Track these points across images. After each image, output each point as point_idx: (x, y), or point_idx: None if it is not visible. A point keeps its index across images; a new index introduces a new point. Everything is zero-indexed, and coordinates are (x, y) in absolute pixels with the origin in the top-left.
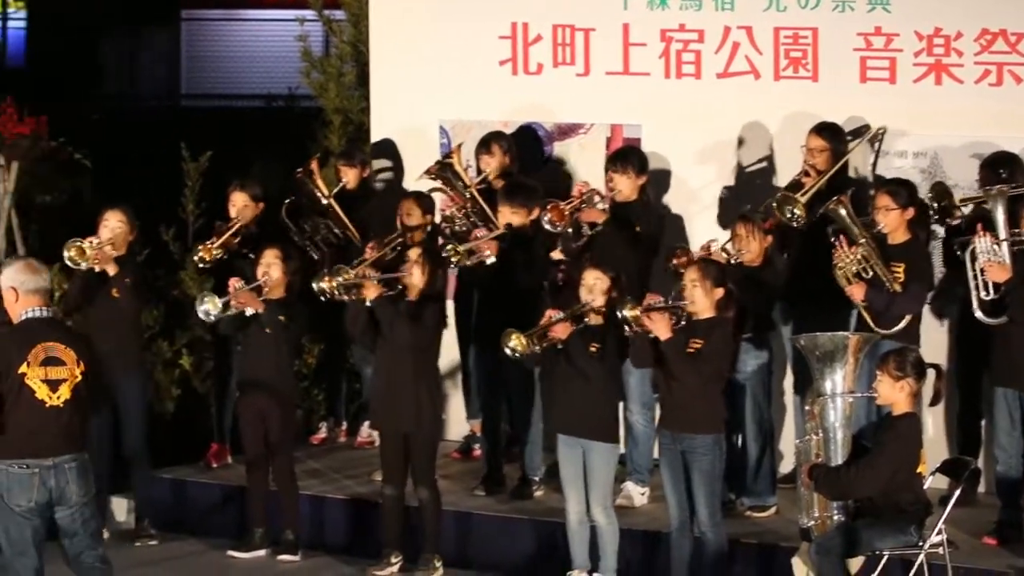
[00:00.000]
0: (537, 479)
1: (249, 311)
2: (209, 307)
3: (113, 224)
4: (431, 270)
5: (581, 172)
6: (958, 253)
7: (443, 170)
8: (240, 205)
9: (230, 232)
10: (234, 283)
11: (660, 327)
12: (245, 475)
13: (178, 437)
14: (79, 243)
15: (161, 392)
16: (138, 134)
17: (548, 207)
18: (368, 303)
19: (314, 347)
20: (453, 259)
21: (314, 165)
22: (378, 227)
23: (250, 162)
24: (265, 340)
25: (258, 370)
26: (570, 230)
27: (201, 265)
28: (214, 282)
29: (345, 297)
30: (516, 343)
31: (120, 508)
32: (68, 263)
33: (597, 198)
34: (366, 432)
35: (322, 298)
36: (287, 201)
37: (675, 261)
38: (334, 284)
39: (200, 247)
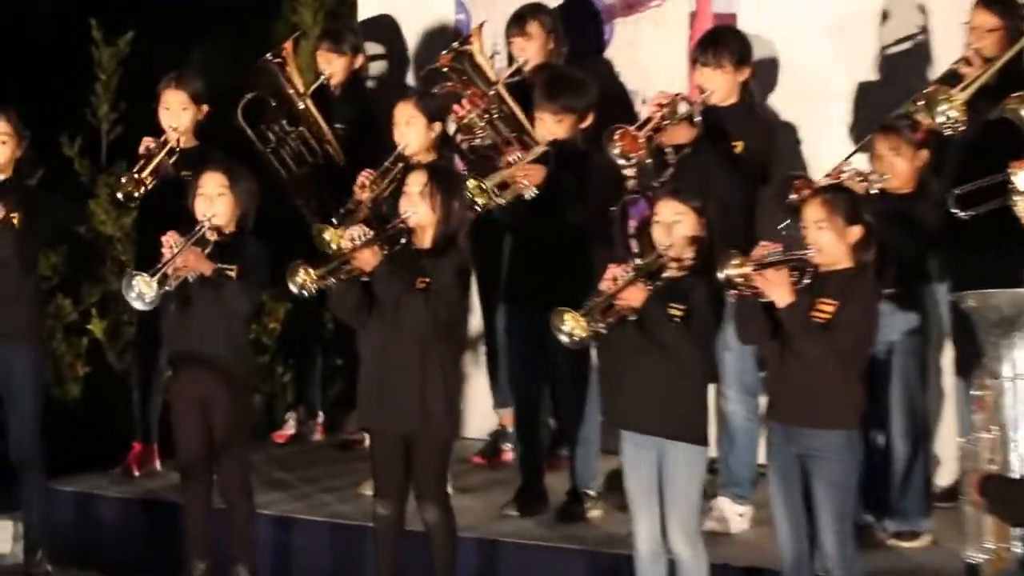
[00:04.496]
0: (593, 494)
1: (193, 276)
2: (141, 288)
3: None
4: (443, 202)
5: (655, 63)
6: None
7: (458, 60)
8: (176, 108)
9: (164, 152)
10: (169, 240)
11: (778, 289)
12: (180, 488)
13: (86, 433)
14: None
15: (62, 369)
16: (36, 9)
17: (617, 135)
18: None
19: (278, 306)
20: (479, 201)
21: (288, 50)
22: (369, 140)
23: (188, 47)
24: (209, 299)
25: (199, 339)
26: (649, 160)
27: (126, 202)
28: (138, 216)
29: (334, 280)
30: (573, 326)
31: (5, 533)
32: None
33: (684, 106)
34: (353, 427)
35: (304, 294)
36: (245, 98)
37: (794, 196)
38: (316, 275)
39: (124, 178)
